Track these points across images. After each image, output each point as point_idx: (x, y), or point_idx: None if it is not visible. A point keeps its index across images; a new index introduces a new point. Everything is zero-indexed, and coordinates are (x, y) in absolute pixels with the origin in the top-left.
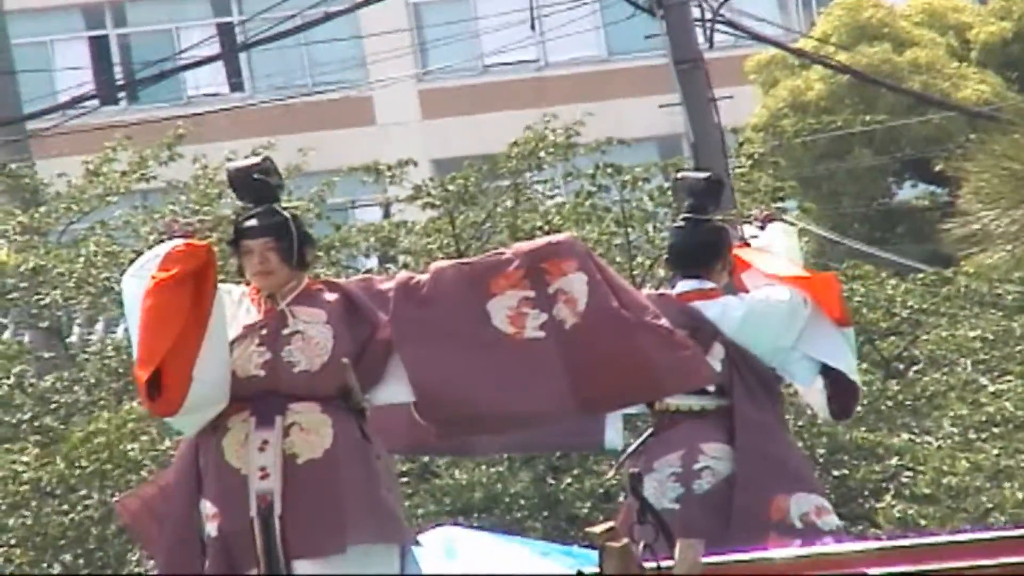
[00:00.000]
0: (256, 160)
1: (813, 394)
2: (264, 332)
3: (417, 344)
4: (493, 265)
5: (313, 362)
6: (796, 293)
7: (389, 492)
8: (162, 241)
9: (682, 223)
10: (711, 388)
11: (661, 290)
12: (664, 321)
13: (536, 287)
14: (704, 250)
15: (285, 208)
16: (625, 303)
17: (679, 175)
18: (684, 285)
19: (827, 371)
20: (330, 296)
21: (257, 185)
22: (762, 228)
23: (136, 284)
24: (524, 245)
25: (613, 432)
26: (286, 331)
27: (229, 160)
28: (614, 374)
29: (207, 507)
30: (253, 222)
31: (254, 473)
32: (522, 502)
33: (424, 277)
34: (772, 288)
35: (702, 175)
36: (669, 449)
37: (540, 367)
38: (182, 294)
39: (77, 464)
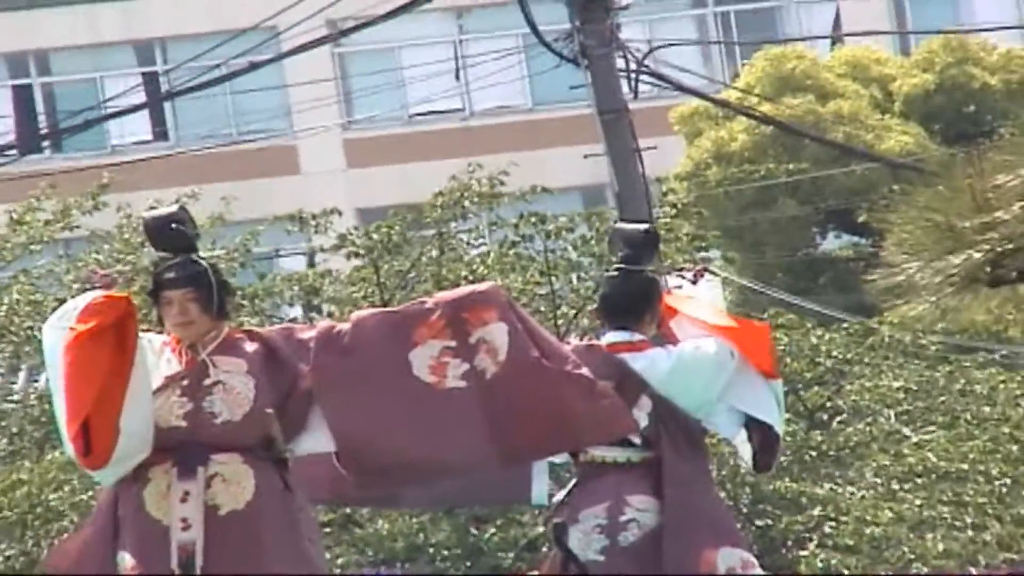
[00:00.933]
0: (172, 210)
1: (740, 446)
2: (185, 383)
3: (338, 394)
4: (415, 314)
5: (235, 412)
6: (723, 345)
7: (311, 543)
8: (84, 291)
9: (615, 273)
10: (637, 440)
11: (589, 340)
12: (585, 371)
13: (457, 337)
14: (635, 301)
15: (204, 258)
16: (546, 353)
17: (616, 225)
18: (613, 336)
19: (751, 423)
20: (251, 346)
21: (174, 235)
22: (694, 283)
23: (56, 335)
24: (446, 294)
25: (540, 486)
26: (207, 381)
27: (152, 209)
28: (534, 424)
29: (126, 559)
30: (172, 273)
31: (176, 524)
32: (445, 552)
33: (345, 326)
34: (700, 340)
35: (641, 227)
36: (594, 501)
37: (460, 417)
38: (102, 346)
39: None
